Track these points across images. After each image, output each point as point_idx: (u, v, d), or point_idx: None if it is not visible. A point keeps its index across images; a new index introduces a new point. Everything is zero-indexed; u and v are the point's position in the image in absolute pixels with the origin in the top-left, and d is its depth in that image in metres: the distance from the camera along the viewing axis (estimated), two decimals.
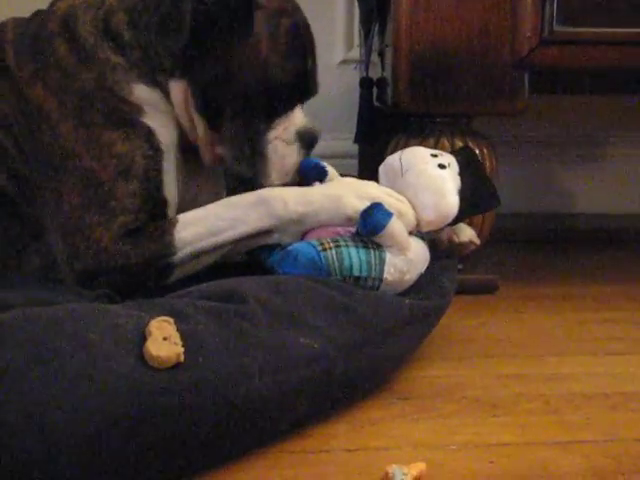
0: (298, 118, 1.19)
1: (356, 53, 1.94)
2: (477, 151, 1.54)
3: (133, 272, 1.09)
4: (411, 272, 1.13)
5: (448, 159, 1.21)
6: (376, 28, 1.75)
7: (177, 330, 0.84)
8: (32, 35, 1.18)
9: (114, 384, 0.78)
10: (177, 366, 0.82)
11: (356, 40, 2.02)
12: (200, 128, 1.18)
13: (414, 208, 1.15)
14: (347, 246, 1.09)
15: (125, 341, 0.82)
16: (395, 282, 1.11)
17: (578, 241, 2.11)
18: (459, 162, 1.22)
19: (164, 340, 0.81)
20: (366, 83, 1.75)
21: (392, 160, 1.23)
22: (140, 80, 1.16)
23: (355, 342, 0.99)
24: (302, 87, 1.20)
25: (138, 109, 1.15)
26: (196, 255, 1.11)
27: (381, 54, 1.76)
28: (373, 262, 1.09)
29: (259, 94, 1.15)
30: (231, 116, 1.16)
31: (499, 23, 1.47)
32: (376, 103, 1.77)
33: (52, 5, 1.23)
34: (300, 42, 1.18)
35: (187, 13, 1.10)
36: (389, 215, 1.08)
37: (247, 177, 1.19)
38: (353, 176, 1.25)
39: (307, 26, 1.21)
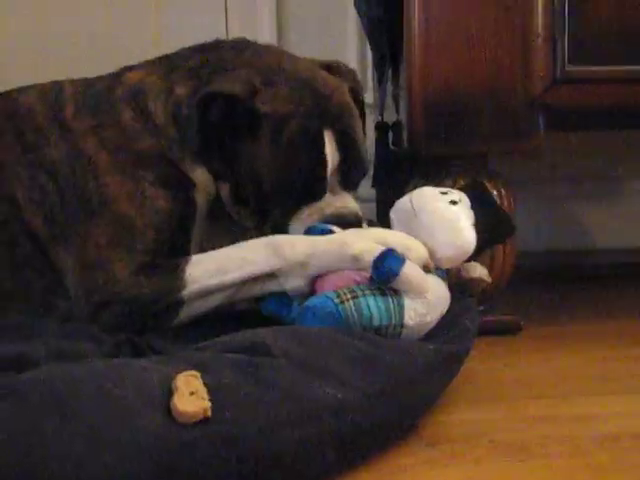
0: (327, 206, 1.22)
1: (370, 97, 1.96)
2: (494, 191, 1.55)
3: (144, 304, 1.14)
4: (432, 313, 1.13)
5: (458, 195, 1.22)
6: (390, 72, 1.77)
7: (203, 384, 0.84)
8: (96, 95, 1.27)
9: (140, 441, 0.78)
10: (204, 421, 0.82)
11: (370, 84, 2.04)
12: (244, 218, 1.27)
13: (432, 247, 1.15)
14: (365, 295, 1.08)
15: (151, 397, 0.83)
16: (416, 326, 1.11)
17: (599, 277, 2.10)
18: (469, 196, 1.22)
19: (191, 395, 0.82)
20: (381, 127, 1.77)
21: (402, 204, 1.23)
22: (203, 165, 1.24)
23: (381, 391, 0.98)
24: (308, 188, 1.21)
25: (193, 184, 1.24)
26: (204, 293, 1.15)
27: (395, 98, 1.77)
28: (392, 309, 1.09)
29: (267, 191, 1.20)
30: (254, 209, 1.23)
31: (512, 63, 1.49)
32: (392, 147, 1.78)
33: (121, 73, 1.30)
34: (306, 147, 1.19)
35: (193, 121, 1.18)
36: (401, 261, 1.08)
37: None
38: (371, 220, 1.27)
39: (319, 129, 1.20)
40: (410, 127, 1.52)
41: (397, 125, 1.72)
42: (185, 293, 1.14)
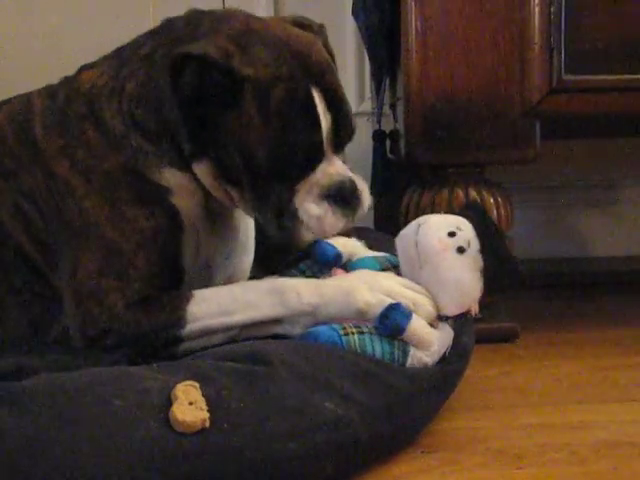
0: (323, 176, 1.13)
1: (368, 106, 1.97)
2: (491, 199, 1.55)
3: (143, 340, 1.10)
4: (434, 358, 1.11)
5: (467, 236, 1.12)
6: (387, 81, 1.78)
7: (202, 395, 0.84)
8: (59, 110, 1.22)
9: (139, 450, 0.79)
10: (202, 431, 0.82)
11: (368, 93, 2.05)
12: (235, 197, 1.18)
13: (435, 301, 1.11)
14: (370, 334, 1.06)
15: (150, 406, 0.83)
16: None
17: (596, 285, 2.10)
18: (477, 234, 1.13)
19: (190, 405, 0.82)
20: (379, 136, 1.77)
21: (407, 244, 1.14)
22: (171, 166, 1.16)
23: (380, 407, 0.99)
24: (307, 156, 1.12)
25: (167, 190, 1.17)
26: (204, 333, 1.12)
27: (393, 107, 1.78)
28: (396, 353, 1.07)
29: (261, 166, 1.11)
30: (249, 185, 1.14)
31: (509, 73, 1.50)
32: (390, 155, 1.79)
33: (76, 76, 1.25)
34: (297, 112, 1.09)
35: (167, 90, 1.09)
36: (407, 316, 1.06)
37: (279, 240, 1.18)
38: (369, 228, 1.25)
39: (307, 91, 1.10)
40: (407, 136, 1.53)
41: (394, 134, 1.73)
42: (185, 331, 1.11)
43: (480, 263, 1.11)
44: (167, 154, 1.16)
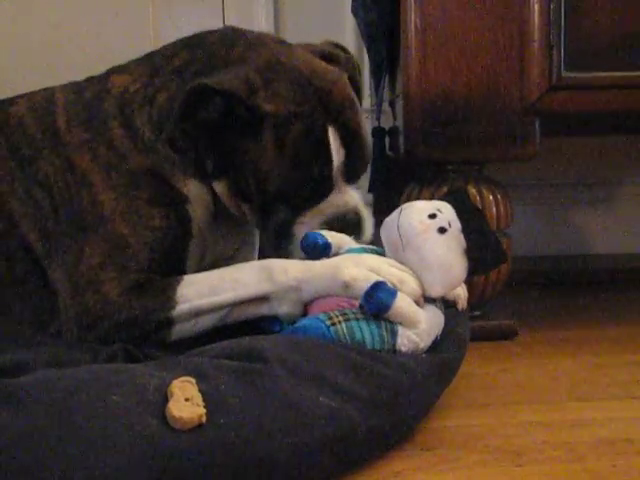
0: (328, 206, 1.20)
1: (367, 103, 1.97)
2: (490, 197, 1.55)
3: (135, 324, 1.12)
4: (425, 340, 1.11)
5: (448, 217, 1.13)
6: (387, 78, 1.78)
7: (199, 391, 0.84)
8: (86, 105, 1.25)
9: (136, 446, 0.79)
10: (199, 427, 0.82)
11: (367, 90, 2.04)
12: (247, 212, 1.24)
13: (421, 282, 1.11)
14: (357, 319, 1.06)
15: (147, 402, 0.83)
16: (410, 352, 1.10)
17: (595, 282, 2.10)
18: (459, 216, 1.14)
19: (186, 401, 0.82)
20: (378, 132, 1.77)
21: (390, 228, 1.15)
22: (194, 177, 1.22)
23: (377, 400, 0.99)
24: (316, 189, 1.18)
25: (185, 198, 1.22)
26: (195, 313, 1.14)
27: (392, 104, 1.78)
28: (385, 335, 1.07)
29: (271, 193, 1.17)
30: (258, 206, 1.20)
31: (508, 70, 1.49)
32: (389, 152, 1.79)
33: (107, 77, 1.27)
34: (311, 148, 1.16)
35: (176, 115, 1.14)
36: (392, 294, 1.06)
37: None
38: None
39: (323, 128, 1.16)
40: (406, 133, 1.53)
41: (394, 131, 1.73)
42: (175, 313, 1.13)
43: (463, 243, 1.12)
44: (191, 166, 1.21)
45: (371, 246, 1.24)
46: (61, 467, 0.77)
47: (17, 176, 1.24)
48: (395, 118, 1.74)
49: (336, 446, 0.92)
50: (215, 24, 2.07)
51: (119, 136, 1.21)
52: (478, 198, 1.54)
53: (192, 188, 1.22)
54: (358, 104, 1.24)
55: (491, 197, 1.55)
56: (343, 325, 1.06)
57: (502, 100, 1.50)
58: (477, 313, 1.57)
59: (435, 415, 1.16)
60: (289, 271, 1.12)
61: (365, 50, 1.86)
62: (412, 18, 1.49)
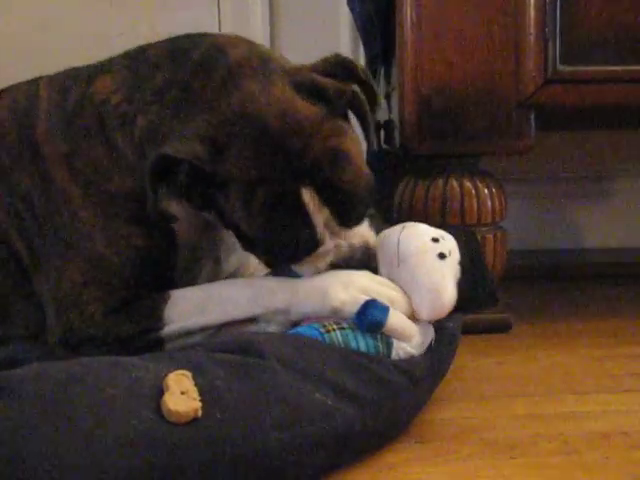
0: (327, 252, 1.10)
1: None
2: (485, 190, 1.55)
3: (122, 346, 1.09)
4: (419, 350, 1.11)
5: (449, 246, 1.12)
6: (382, 71, 1.77)
7: (195, 384, 0.84)
8: (67, 116, 1.19)
9: (131, 439, 0.79)
10: (194, 421, 0.82)
11: None
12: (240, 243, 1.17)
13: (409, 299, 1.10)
14: (352, 329, 1.06)
15: (142, 395, 0.83)
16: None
17: (589, 276, 2.10)
18: (460, 249, 1.14)
19: (182, 394, 0.82)
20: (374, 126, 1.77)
21: (388, 242, 1.13)
22: (179, 201, 1.14)
23: (372, 399, 0.99)
24: (300, 248, 1.08)
25: (171, 216, 1.15)
26: (183, 333, 1.12)
27: (387, 97, 1.78)
28: (380, 346, 1.06)
29: (255, 248, 1.12)
30: (248, 248, 1.14)
31: (504, 63, 1.49)
32: (384, 145, 1.78)
33: (92, 78, 1.21)
34: (282, 213, 1.05)
35: (149, 189, 1.06)
36: (385, 311, 1.05)
37: None
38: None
39: (294, 192, 1.04)
40: (402, 126, 1.53)
41: (389, 124, 1.73)
42: (164, 333, 1.11)
43: (458, 274, 1.11)
44: (177, 195, 1.12)
45: None
46: (54, 460, 0.77)
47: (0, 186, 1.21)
48: (390, 111, 1.73)
49: (331, 443, 0.92)
50: (211, 24, 2.09)
51: (100, 155, 1.16)
52: (473, 191, 1.54)
53: (177, 208, 1.15)
54: (345, 151, 1.08)
55: (486, 190, 1.55)
56: (338, 333, 1.05)
57: (497, 93, 1.50)
58: None
59: (429, 408, 1.16)
60: (276, 294, 1.10)
61: (360, 43, 1.86)
62: (407, 11, 1.49)
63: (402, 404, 1.04)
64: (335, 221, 1.08)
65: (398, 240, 1.12)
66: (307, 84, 1.09)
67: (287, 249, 1.08)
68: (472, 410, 1.17)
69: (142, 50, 1.21)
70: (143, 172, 1.08)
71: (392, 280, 1.11)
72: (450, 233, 1.16)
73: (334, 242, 1.10)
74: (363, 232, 1.12)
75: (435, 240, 1.12)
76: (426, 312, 1.09)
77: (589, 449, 1.03)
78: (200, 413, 0.82)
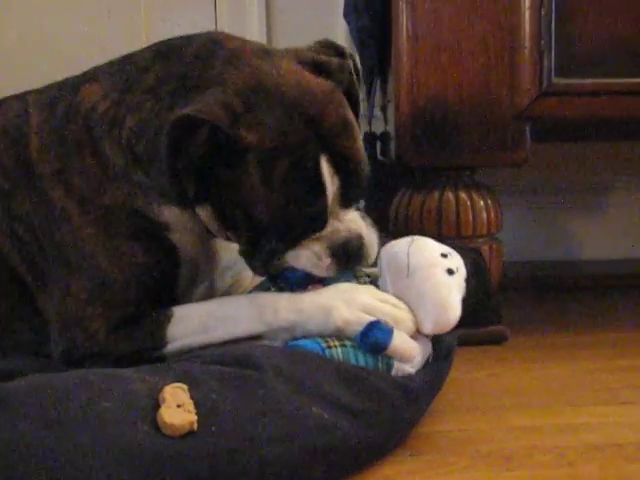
0: (326, 236, 1.10)
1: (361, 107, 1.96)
2: (481, 202, 1.56)
3: (126, 363, 1.08)
4: (417, 367, 1.11)
5: (457, 263, 1.14)
6: (378, 83, 1.78)
7: (191, 397, 0.84)
8: (57, 130, 1.18)
9: (126, 452, 0.79)
10: (190, 434, 0.82)
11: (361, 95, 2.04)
12: (233, 238, 1.16)
13: (414, 313, 1.10)
14: (353, 347, 1.06)
15: (138, 408, 0.83)
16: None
17: (585, 288, 2.10)
18: (468, 268, 1.15)
19: (178, 407, 0.82)
20: (370, 138, 1.78)
21: (398, 253, 1.13)
22: (172, 203, 1.13)
23: (370, 413, 0.99)
24: (309, 224, 1.08)
25: (166, 226, 1.15)
26: (185, 351, 1.11)
27: (384, 109, 1.78)
28: (380, 366, 1.07)
29: (261, 227, 1.08)
30: (246, 236, 1.12)
31: (499, 76, 1.50)
32: (380, 157, 1.79)
33: (78, 87, 1.20)
34: (302, 183, 1.04)
35: (164, 155, 1.03)
36: (388, 333, 1.05)
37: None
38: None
39: (315, 160, 1.04)
40: (398, 138, 1.53)
41: (385, 136, 1.73)
42: (166, 351, 1.11)
43: (463, 292, 1.12)
44: (167, 192, 1.11)
45: (365, 270, 1.19)
46: (50, 473, 0.77)
47: None
48: (386, 123, 1.74)
49: (327, 456, 0.92)
50: (207, 25, 2.09)
51: (91, 166, 1.15)
52: (469, 203, 1.55)
53: (171, 215, 1.15)
54: (353, 121, 1.12)
55: (482, 202, 1.56)
56: (339, 350, 1.05)
57: (493, 106, 1.50)
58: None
59: (425, 420, 1.15)
60: (280, 311, 1.09)
61: (357, 54, 1.86)
62: (404, 24, 1.50)
63: (398, 417, 1.04)
64: (340, 196, 1.08)
65: (408, 252, 1.12)
66: (309, 60, 1.12)
67: (298, 224, 1.07)
68: (468, 422, 1.17)
69: (128, 57, 1.20)
70: (155, 146, 1.04)
71: (398, 290, 1.12)
72: (456, 251, 1.17)
73: (332, 226, 1.10)
74: (359, 221, 1.12)
75: (444, 256, 1.13)
76: (430, 327, 1.10)
77: (585, 461, 1.03)
78: (196, 426, 0.83)
